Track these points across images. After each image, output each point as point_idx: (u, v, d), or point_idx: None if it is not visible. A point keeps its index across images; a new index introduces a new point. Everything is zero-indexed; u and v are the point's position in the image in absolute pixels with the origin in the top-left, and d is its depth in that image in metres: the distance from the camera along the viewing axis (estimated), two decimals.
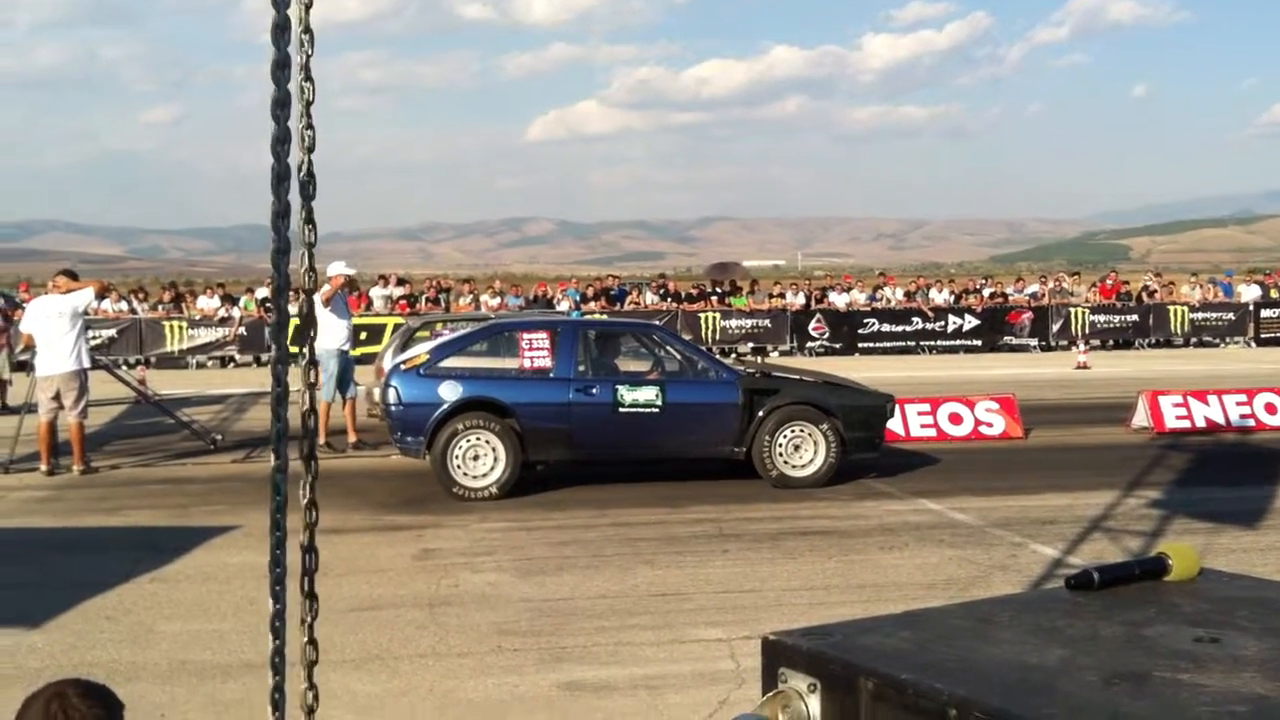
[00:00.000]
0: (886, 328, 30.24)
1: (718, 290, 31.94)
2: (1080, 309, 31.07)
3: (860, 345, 29.82)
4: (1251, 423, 15.33)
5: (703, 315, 29.81)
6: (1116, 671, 2.14)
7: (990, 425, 14.89)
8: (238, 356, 28.07)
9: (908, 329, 30.31)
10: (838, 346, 29.76)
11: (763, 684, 2.47)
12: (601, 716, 5.65)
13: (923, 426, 14.76)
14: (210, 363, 27.90)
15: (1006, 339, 30.52)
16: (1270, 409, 15.60)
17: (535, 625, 7.14)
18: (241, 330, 27.99)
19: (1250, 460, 13.34)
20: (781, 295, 31.57)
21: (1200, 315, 31.48)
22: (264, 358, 27.73)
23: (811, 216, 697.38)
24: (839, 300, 31.20)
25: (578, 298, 30.43)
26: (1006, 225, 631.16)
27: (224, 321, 28.26)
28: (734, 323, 29.91)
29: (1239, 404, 15.62)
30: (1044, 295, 32.19)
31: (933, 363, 27.22)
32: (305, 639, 2.59)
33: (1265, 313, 31.90)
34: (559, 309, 29.70)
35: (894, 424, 14.59)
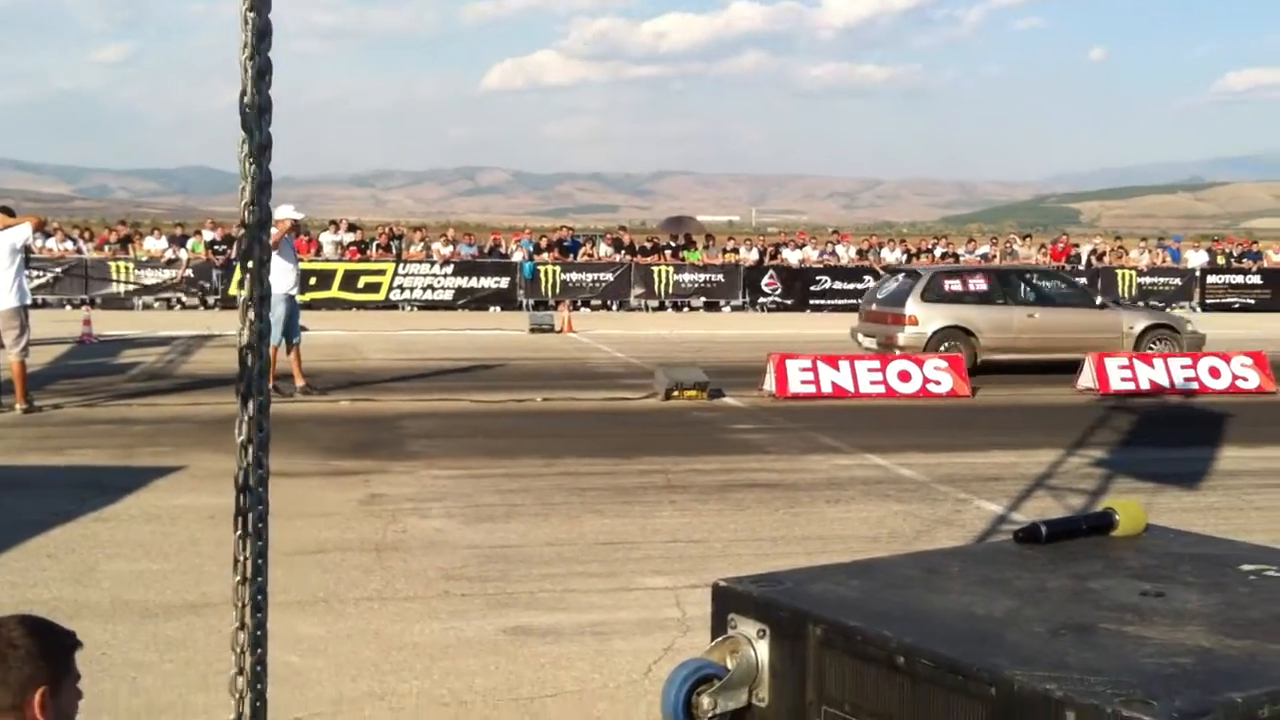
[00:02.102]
0: (838, 285, 30.35)
1: (671, 244, 31.89)
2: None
3: (812, 302, 29.92)
4: (1195, 386, 15.56)
5: (656, 268, 29.77)
6: (1063, 623, 2.16)
7: (938, 383, 15.01)
8: (184, 299, 27.75)
9: (859, 287, 30.38)
10: (789, 303, 29.84)
11: (712, 629, 2.47)
12: (547, 662, 5.67)
13: (872, 383, 14.85)
14: (156, 304, 27.56)
15: None
16: (1214, 373, 15.83)
17: (482, 571, 7.14)
18: (188, 272, 27.65)
19: (1193, 422, 13.56)
20: (735, 251, 31.58)
21: (1148, 280, 31.82)
22: (210, 300, 27.45)
23: (767, 173, 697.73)
24: (792, 257, 31.27)
25: (531, 248, 30.29)
26: (959, 187, 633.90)
27: (171, 263, 27.89)
28: (687, 277, 29.90)
29: (1184, 367, 15.85)
30: (995, 257, 32.40)
31: None
32: (238, 579, 2.55)
33: (1211, 278, 32.32)
34: (513, 259, 29.59)
35: (843, 379, 14.74)
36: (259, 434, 2.40)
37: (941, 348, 16.75)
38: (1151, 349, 17.06)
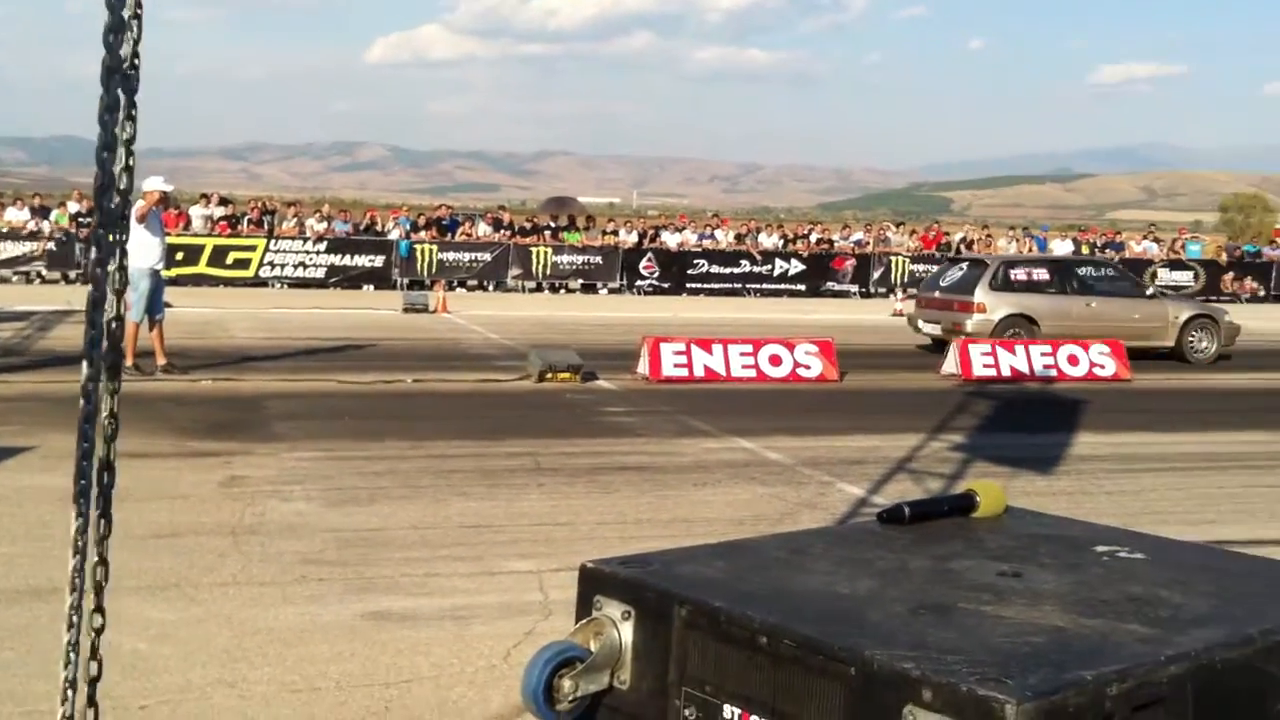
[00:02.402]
0: (715, 269, 30.56)
1: (552, 225, 31.78)
2: (901, 258, 31.91)
3: (689, 286, 30.08)
4: (1054, 373, 16.02)
5: (535, 249, 29.64)
6: (923, 602, 2.20)
7: (808, 368, 15.21)
8: (45, 272, 26.82)
9: (736, 271, 30.69)
10: (666, 286, 29.95)
11: (577, 611, 2.46)
12: (405, 647, 5.60)
13: (744, 367, 15.00)
14: (15, 278, 26.57)
15: (829, 284, 31.18)
16: (1072, 360, 16.32)
17: (342, 555, 7.03)
18: (51, 245, 26.73)
19: (1050, 409, 13.94)
20: (615, 233, 31.58)
21: None
22: (72, 274, 26.57)
23: (650, 156, 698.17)
24: (671, 240, 31.38)
25: (408, 226, 29.92)
26: (837, 174, 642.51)
27: (34, 235, 26.92)
28: (565, 258, 29.83)
29: (1044, 355, 16.30)
30: (868, 243, 32.95)
31: (758, 305, 27.66)
32: (94, 559, 2.48)
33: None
34: (389, 237, 29.21)
35: (716, 363, 14.87)
36: (86, 406, 2.33)
37: (1007, 334, 17.74)
38: (1193, 337, 18.68)
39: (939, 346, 18.41)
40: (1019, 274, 18.89)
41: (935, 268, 32.06)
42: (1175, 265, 34.33)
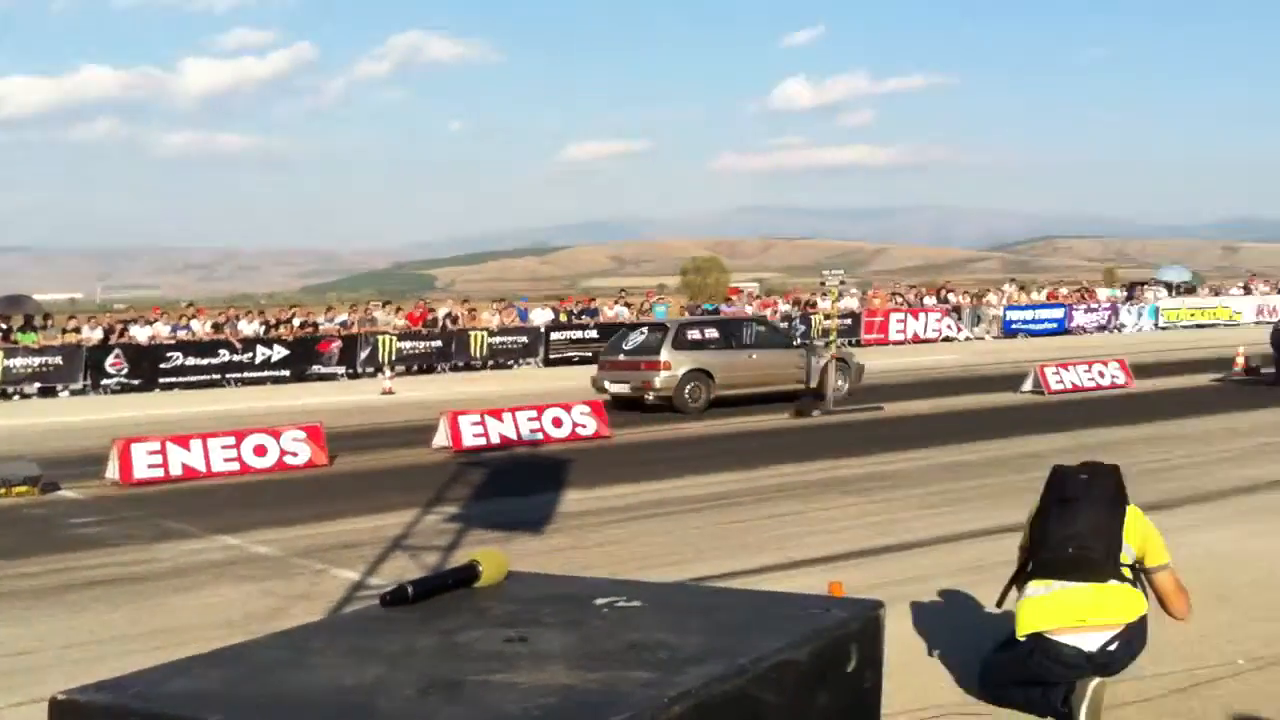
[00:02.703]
0: (191, 361, 29.03)
1: (3, 326, 28.92)
2: (388, 336, 31.86)
3: (162, 381, 28.35)
4: (541, 436, 16.46)
5: None
6: (432, 681, 2.12)
7: (296, 455, 14.70)
8: None
9: (214, 361, 29.32)
10: (137, 383, 28.06)
11: None
12: None
13: (226, 461, 14.25)
14: None
15: (315, 368, 30.52)
16: (557, 423, 16.86)
17: None
18: None
19: (540, 471, 14.27)
20: (77, 330, 29.27)
21: (498, 339, 33.49)
22: None
23: (116, 247, 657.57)
24: (141, 334, 29.53)
25: None
26: (320, 256, 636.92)
27: None
28: (19, 361, 27.19)
29: (530, 420, 16.72)
30: (353, 324, 32.65)
31: (239, 395, 26.54)
32: None
33: (554, 335, 34.66)
34: None
35: (195, 460, 14.08)
36: None
37: (689, 387, 19.94)
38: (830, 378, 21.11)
39: (623, 404, 20.12)
40: (694, 334, 21.16)
41: (424, 344, 32.59)
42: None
